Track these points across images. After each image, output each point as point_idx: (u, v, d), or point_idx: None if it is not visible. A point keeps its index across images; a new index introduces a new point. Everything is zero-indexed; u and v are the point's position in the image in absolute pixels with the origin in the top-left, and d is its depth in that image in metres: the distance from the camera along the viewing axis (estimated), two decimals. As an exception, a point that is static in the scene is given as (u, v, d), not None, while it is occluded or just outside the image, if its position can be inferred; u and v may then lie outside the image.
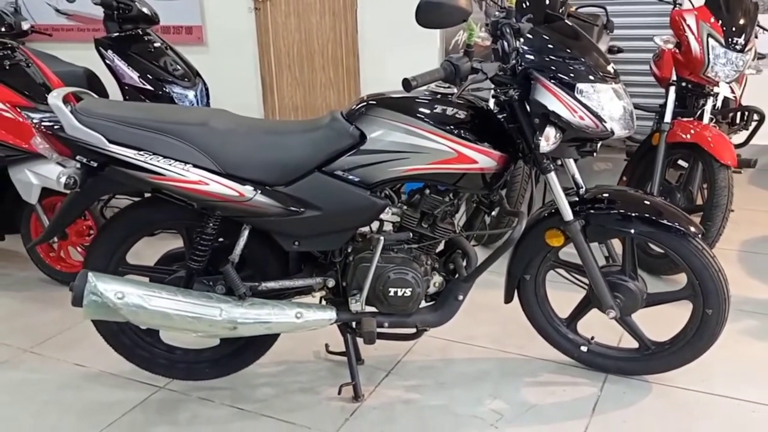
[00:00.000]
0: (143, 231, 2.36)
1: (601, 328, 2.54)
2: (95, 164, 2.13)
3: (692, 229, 2.18)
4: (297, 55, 4.92)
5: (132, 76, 3.73)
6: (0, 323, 3.07)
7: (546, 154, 2.17)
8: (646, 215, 2.19)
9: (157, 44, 3.90)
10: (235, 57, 5.16)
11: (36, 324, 3.03)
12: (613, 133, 2.09)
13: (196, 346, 2.50)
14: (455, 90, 2.16)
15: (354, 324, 2.30)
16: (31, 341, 2.89)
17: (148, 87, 3.72)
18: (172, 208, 2.23)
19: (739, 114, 3.69)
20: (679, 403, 2.35)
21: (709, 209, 3.07)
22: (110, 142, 2.09)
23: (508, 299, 2.49)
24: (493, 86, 2.21)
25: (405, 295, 2.22)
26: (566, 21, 2.14)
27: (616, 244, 2.44)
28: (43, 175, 3.04)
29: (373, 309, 2.30)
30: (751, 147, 3.79)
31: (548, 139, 2.05)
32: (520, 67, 2.08)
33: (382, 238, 2.21)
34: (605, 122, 2.06)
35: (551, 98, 2.03)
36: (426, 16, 1.90)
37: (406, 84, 1.91)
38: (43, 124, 2.18)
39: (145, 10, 3.86)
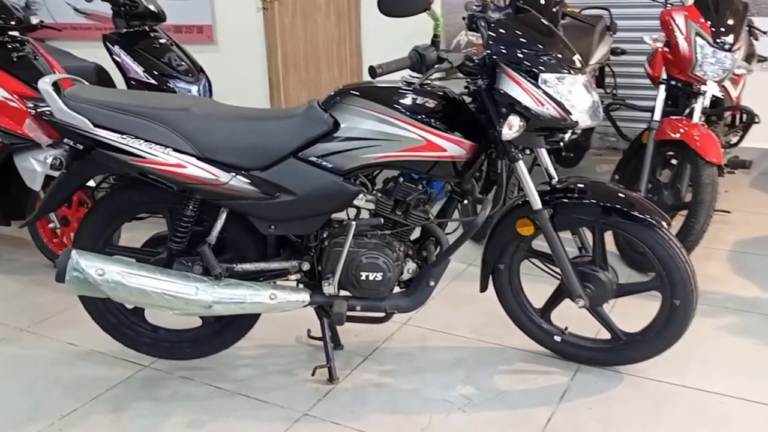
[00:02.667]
0: (128, 213, 2.46)
1: (578, 319, 2.58)
2: (81, 147, 2.24)
3: (658, 219, 2.22)
4: (303, 54, 5.02)
5: (137, 70, 3.85)
6: (2, 303, 3.19)
7: (514, 143, 2.22)
8: (613, 205, 2.23)
9: (162, 40, 4.02)
10: (244, 56, 5.28)
11: (35, 305, 3.15)
12: (577, 123, 2.13)
13: (179, 327, 2.59)
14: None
15: (329, 307, 2.37)
16: (29, 321, 3.01)
17: (153, 81, 3.83)
18: (156, 191, 2.32)
19: (738, 115, 3.70)
20: (648, 392, 2.38)
21: (693, 206, 3.09)
22: (95, 125, 2.19)
23: (483, 288, 2.54)
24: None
25: (376, 279, 2.29)
26: (534, 13, 2.20)
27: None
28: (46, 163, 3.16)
29: (347, 293, 2.38)
30: (751, 150, 3.79)
31: (511, 127, 2.10)
32: (487, 58, 2.14)
33: (354, 223, 2.28)
34: (569, 112, 2.11)
35: (515, 87, 2.09)
36: (387, 5, 1.97)
37: (372, 71, 1.98)
38: (35, 109, 2.29)
39: (151, 7, 3.99)
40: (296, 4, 4.91)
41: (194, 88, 3.94)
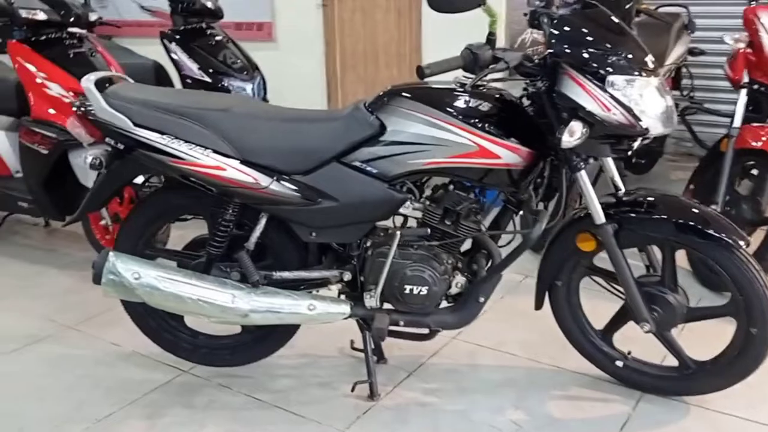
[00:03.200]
0: (169, 215, 2.40)
1: (643, 343, 2.37)
2: (122, 146, 2.18)
3: (735, 238, 2.00)
4: (362, 52, 4.92)
5: (192, 67, 3.82)
6: (53, 300, 3.20)
7: (576, 152, 2.04)
8: (685, 221, 2.02)
9: (218, 38, 3.98)
10: (303, 54, 5.22)
11: (85, 302, 3.14)
12: (647, 130, 1.93)
13: (219, 333, 2.51)
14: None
15: (371, 321, 2.24)
16: (77, 318, 2.99)
17: (207, 79, 3.80)
18: (197, 193, 2.24)
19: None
20: (717, 427, 2.17)
21: (775, 222, 2.83)
22: (135, 124, 2.12)
23: (538, 305, 2.36)
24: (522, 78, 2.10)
25: (421, 293, 2.15)
26: (603, 9, 2.01)
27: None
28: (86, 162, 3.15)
29: (390, 306, 2.24)
30: None
31: (573, 134, 1.93)
32: (548, 58, 1.97)
33: (398, 233, 2.15)
34: (638, 118, 1.92)
35: (578, 90, 1.91)
36: (437, 0, 1.83)
37: (419, 71, 1.84)
38: (79, 106, 2.24)
39: (208, 4, 3.95)
40: (356, 1, 4.81)
41: (249, 86, 3.88)
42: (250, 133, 2.11)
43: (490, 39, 1.95)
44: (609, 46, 1.92)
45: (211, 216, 2.30)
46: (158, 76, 4.25)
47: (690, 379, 2.24)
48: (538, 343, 2.66)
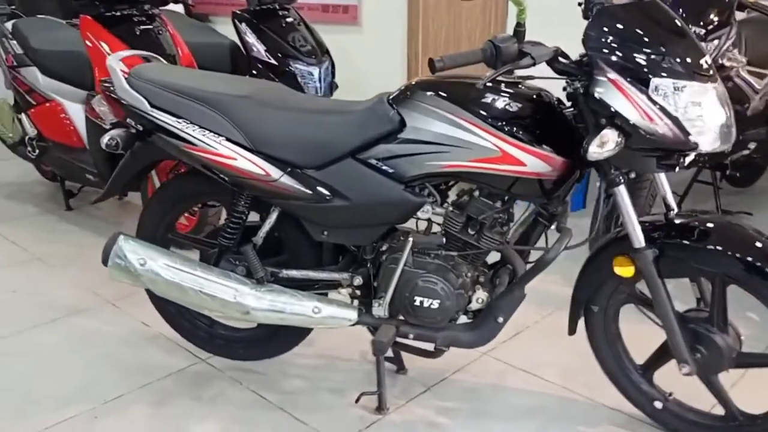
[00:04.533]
0: (189, 202, 2.35)
1: (690, 384, 2.08)
2: (141, 128, 2.13)
3: (798, 281, 1.69)
4: (444, 38, 4.71)
5: (260, 50, 3.77)
6: (102, 272, 3.20)
7: (614, 164, 1.79)
8: (738, 255, 1.73)
9: (289, 20, 3.91)
10: (386, 38, 5.07)
11: (129, 278, 3.16)
12: (696, 146, 1.66)
13: (235, 325, 2.44)
14: (526, 74, 1.86)
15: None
16: (118, 294, 3.01)
17: (273, 62, 3.74)
18: (215, 181, 2.16)
19: None
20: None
21: None
22: (152, 106, 2.07)
23: (571, 330, 2.12)
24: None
25: (432, 306, 1.98)
26: (658, 1, 1.73)
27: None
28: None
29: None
30: None
31: (604, 144, 1.67)
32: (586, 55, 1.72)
33: (411, 239, 1.98)
34: (687, 131, 1.64)
35: (616, 94, 1.65)
36: None
37: (431, 64, 1.65)
38: (106, 85, 2.21)
39: (283, -16, 3.88)
40: (442, -14, 4.60)
41: (315, 70, 3.79)
42: (264, 123, 2.00)
43: (518, 30, 1.72)
44: (657, 45, 1.64)
45: (229, 205, 2.22)
46: (234, 56, 4.24)
47: (736, 431, 1.95)
48: (578, 371, 2.41)
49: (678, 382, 2.08)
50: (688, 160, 1.76)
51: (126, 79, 2.10)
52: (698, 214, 1.89)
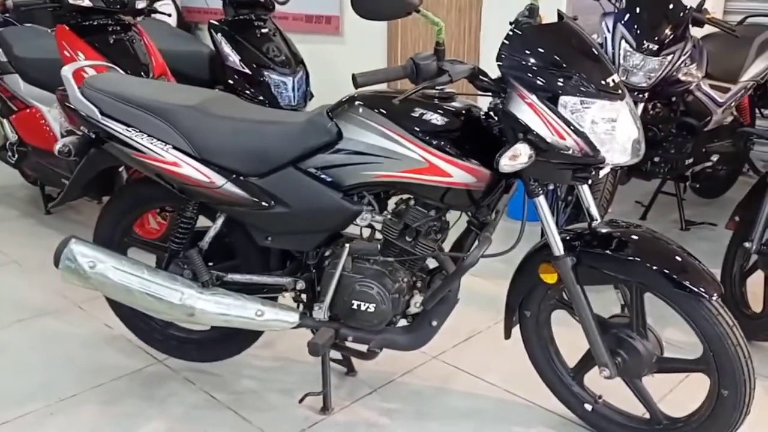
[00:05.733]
0: (145, 206, 2.43)
1: (622, 387, 2.14)
2: (93, 136, 2.22)
3: (706, 288, 1.76)
4: (422, 50, 4.79)
5: (234, 59, 3.86)
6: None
7: (532, 176, 1.87)
8: (649, 264, 1.80)
9: (265, 30, 4.00)
10: (367, 49, 5.17)
11: (99, 281, 3.25)
12: (603, 160, 1.73)
13: (188, 327, 2.52)
14: (448, 90, 1.95)
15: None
16: (85, 297, 3.08)
17: (247, 71, 3.83)
18: (167, 188, 2.25)
19: None
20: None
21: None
22: (103, 115, 2.15)
23: (506, 335, 2.20)
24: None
25: (368, 310, 2.05)
26: (569, 23, 1.81)
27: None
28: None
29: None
30: None
31: (516, 157, 1.75)
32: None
33: (348, 245, 2.06)
34: (594, 146, 1.72)
35: (527, 110, 1.73)
36: (362, 6, 1.71)
37: (353, 80, 1.73)
38: (62, 94, 2.30)
39: (260, -5, 3.97)
40: (419, -1, 4.69)
41: (289, 80, 3.88)
42: (209, 132, 2.08)
43: (438, 49, 1.81)
44: (566, 64, 1.73)
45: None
46: (213, 65, 4.33)
47: (660, 435, 2.02)
48: (521, 375, 2.47)
49: (612, 386, 2.15)
50: (602, 172, 1.84)
51: (79, 88, 2.19)
52: (622, 224, 1.96)
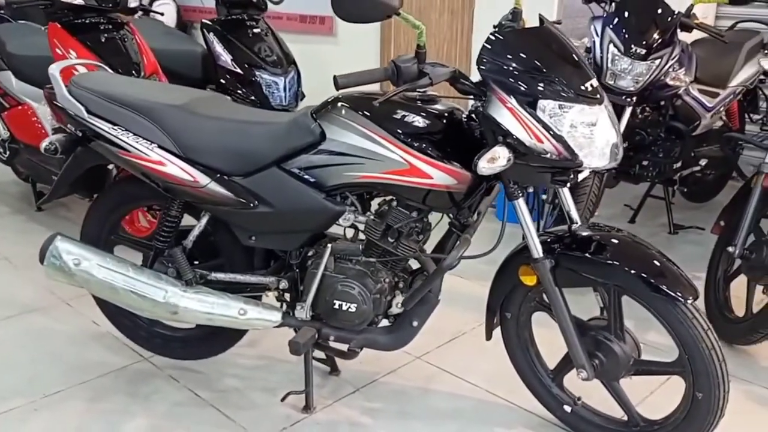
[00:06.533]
0: (131, 204, 2.44)
1: (601, 389, 2.16)
2: (79, 134, 2.23)
3: (681, 292, 1.78)
4: (414, 51, 4.80)
5: (226, 59, 3.88)
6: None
7: (512, 179, 1.88)
8: (627, 268, 1.82)
9: (256, 30, 4.01)
10: (360, 50, 5.18)
11: (88, 279, 3.26)
12: (581, 164, 1.75)
13: (173, 325, 2.53)
14: (431, 93, 1.97)
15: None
16: (73, 294, 3.10)
17: (238, 71, 3.85)
18: (153, 186, 2.26)
19: None
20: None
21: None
22: (89, 113, 2.16)
23: (487, 336, 2.22)
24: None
25: (349, 310, 2.07)
26: (550, 27, 1.83)
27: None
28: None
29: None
30: None
31: (495, 160, 1.77)
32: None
33: (330, 245, 2.08)
34: (572, 150, 1.74)
35: (506, 113, 1.75)
36: (343, 8, 1.72)
37: (335, 81, 1.75)
38: (49, 92, 2.31)
39: (252, -5, 3.99)
40: (412, 1, 4.71)
41: (280, 80, 3.90)
42: (194, 131, 2.10)
43: (419, 52, 1.83)
44: (545, 69, 1.74)
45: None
46: (205, 64, 4.35)
47: (637, 437, 2.04)
48: (504, 376, 2.48)
49: (591, 388, 2.16)
50: (581, 176, 1.86)
51: (66, 86, 2.20)
52: (602, 228, 1.98)
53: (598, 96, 1.77)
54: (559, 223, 3.15)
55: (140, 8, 3.78)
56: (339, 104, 1.98)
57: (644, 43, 3.13)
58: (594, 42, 3.24)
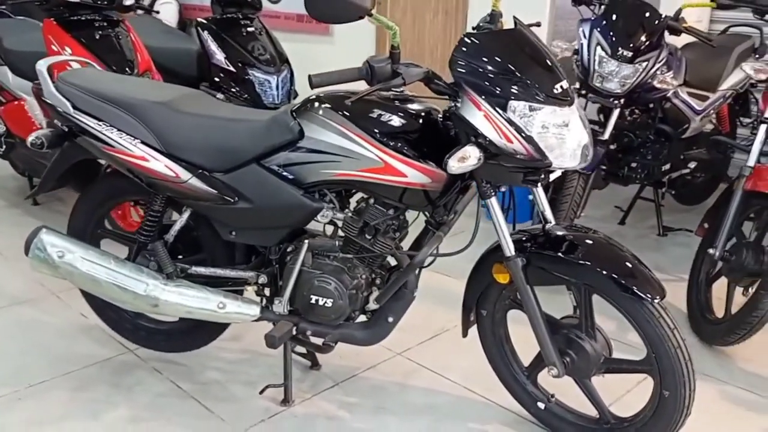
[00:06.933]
0: (116, 199, 2.49)
1: (575, 386, 2.19)
2: (66, 129, 2.27)
3: (648, 291, 1.81)
4: (409, 52, 4.85)
5: (219, 57, 3.92)
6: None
7: (484, 178, 1.92)
8: (596, 267, 1.85)
9: (251, 29, 4.06)
10: (355, 50, 5.20)
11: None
12: (550, 164, 1.79)
13: (158, 317, 2.57)
14: (409, 93, 2.00)
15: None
16: (63, 286, 3.14)
17: (232, 69, 3.89)
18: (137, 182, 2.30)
19: None
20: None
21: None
22: (75, 109, 2.21)
23: (463, 333, 2.26)
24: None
25: (326, 305, 2.10)
26: (523, 30, 1.86)
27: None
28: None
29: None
30: None
31: (465, 159, 1.80)
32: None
33: (306, 241, 2.11)
34: (541, 150, 1.77)
35: (477, 114, 1.78)
36: (316, 8, 1.76)
37: (309, 81, 1.79)
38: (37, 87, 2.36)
39: (247, -5, 4.03)
40: (408, 1, 4.75)
41: (273, 78, 3.94)
42: (176, 128, 2.13)
43: (393, 53, 1.86)
44: (515, 70, 1.78)
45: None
46: (200, 62, 4.39)
47: (607, 434, 2.07)
48: (483, 374, 2.51)
49: (566, 386, 2.19)
50: (553, 176, 1.89)
51: (53, 83, 2.25)
52: (576, 228, 2.01)
53: (569, 98, 1.80)
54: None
55: (136, 6, 3.81)
56: (318, 103, 2.02)
57: (631, 45, 3.15)
58: (581, 44, 3.26)
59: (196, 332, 2.49)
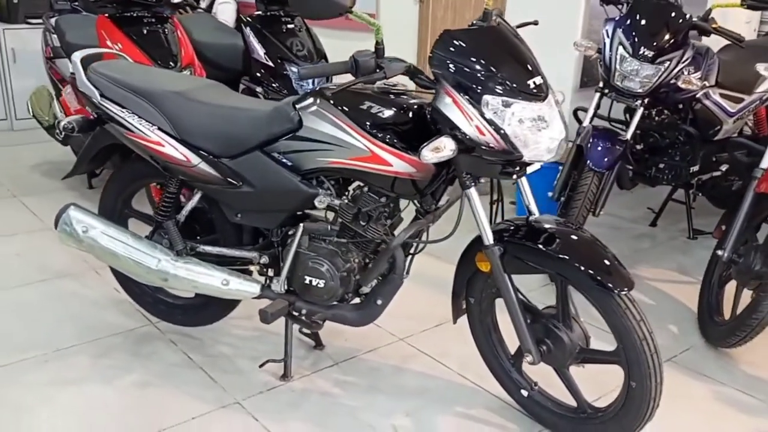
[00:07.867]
0: (141, 181, 2.68)
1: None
2: (95, 116, 2.48)
3: (617, 282, 1.85)
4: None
5: (260, 52, 4.10)
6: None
7: (464, 170, 2.00)
8: (564, 258, 1.91)
9: (291, 26, 4.22)
10: (399, 47, 5.28)
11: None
12: (521, 157, 1.86)
13: (174, 292, 2.75)
14: (402, 87, 2.11)
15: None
16: (102, 263, 3.38)
17: (270, 64, 4.06)
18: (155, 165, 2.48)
19: None
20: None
21: (770, 279, 2.51)
22: (102, 97, 2.41)
23: (453, 319, 2.34)
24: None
25: (318, 285, 2.23)
26: (502, 27, 1.93)
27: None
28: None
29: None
30: None
31: (439, 150, 1.89)
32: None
33: (302, 225, 2.25)
34: (513, 143, 1.85)
35: (452, 107, 1.87)
36: (299, 4, 1.88)
37: (298, 73, 1.92)
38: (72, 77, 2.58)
39: (288, -7, 4.19)
40: (449, 0, 4.83)
41: (309, 74, 4.08)
42: (189, 115, 2.30)
43: (378, 48, 1.96)
44: (490, 66, 1.85)
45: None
46: (245, 56, 4.59)
47: (584, 423, 2.13)
48: (479, 361, 2.58)
49: (550, 375, 2.25)
50: (531, 169, 1.96)
51: (85, 73, 2.46)
52: (558, 222, 2.06)
53: (542, 93, 1.86)
54: (566, 207, 3.22)
55: (186, 4, 4.04)
56: (316, 95, 2.15)
57: (653, 45, 3.14)
58: (604, 43, 3.28)
59: (209, 308, 2.67)
